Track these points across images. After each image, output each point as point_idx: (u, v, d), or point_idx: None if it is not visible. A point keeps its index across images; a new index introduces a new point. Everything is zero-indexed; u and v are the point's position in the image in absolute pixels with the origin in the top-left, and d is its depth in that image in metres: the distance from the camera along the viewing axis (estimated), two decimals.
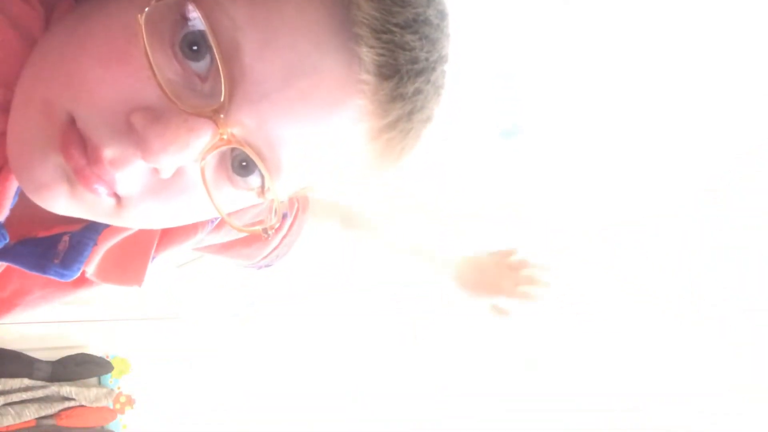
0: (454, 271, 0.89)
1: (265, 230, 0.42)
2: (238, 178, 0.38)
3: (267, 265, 0.74)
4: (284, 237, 0.71)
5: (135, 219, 0.39)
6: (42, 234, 0.46)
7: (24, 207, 0.41)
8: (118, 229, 0.47)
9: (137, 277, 0.53)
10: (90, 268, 0.48)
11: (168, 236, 0.55)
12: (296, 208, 0.71)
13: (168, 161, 0.34)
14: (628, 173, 2.10)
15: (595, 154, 2.06)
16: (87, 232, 0.46)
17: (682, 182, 2.06)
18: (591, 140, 2.02)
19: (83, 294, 0.54)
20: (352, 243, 0.84)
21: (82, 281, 0.50)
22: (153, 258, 0.54)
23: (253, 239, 0.68)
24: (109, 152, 0.34)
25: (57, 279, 0.45)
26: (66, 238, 0.46)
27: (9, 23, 0.36)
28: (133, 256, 0.52)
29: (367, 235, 0.85)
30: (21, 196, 0.40)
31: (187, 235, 0.56)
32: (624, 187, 2.14)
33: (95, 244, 0.46)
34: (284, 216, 0.69)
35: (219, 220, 0.58)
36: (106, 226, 0.46)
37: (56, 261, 0.45)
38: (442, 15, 0.38)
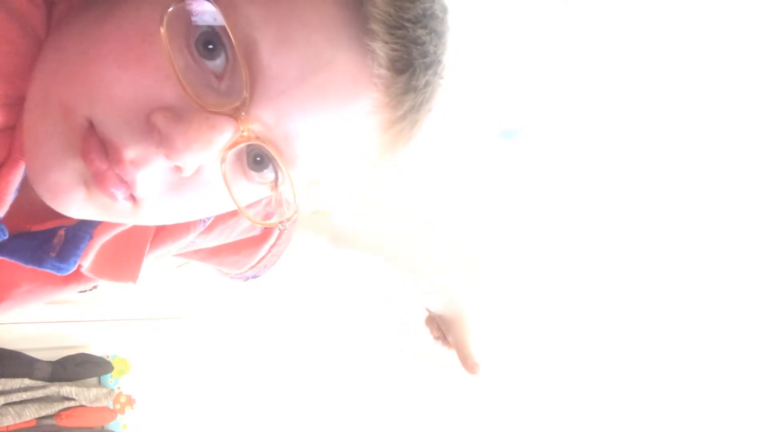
0: (439, 305, 0.83)
1: (282, 222, 0.42)
2: (253, 173, 0.39)
3: (254, 276, 0.74)
4: (272, 246, 0.70)
5: (152, 217, 0.39)
6: (36, 228, 0.46)
7: (19, 202, 0.41)
8: (114, 224, 0.47)
9: (132, 273, 0.53)
10: (86, 262, 0.48)
11: (162, 233, 0.55)
12: None
13: (192, 159, 0.34)
14: (628, 174, 2.10)
15: (596, 155, 2.07)
16: (83, 226, 0.46)
17: (683, 183, 2.06)
18: (591, 141, 2.02)
19: (72, 290, 0.54)
20: (340, 258, 0.83)
21: (73, 277, 0.50)
22: (147, 254, 0.54)
23: (242, 246, 0.67)
24: (130, 152, 0.34)
25: (53, 272, 0.45)
26: (61, 231, 0.46)
27: (11, 19, 0.37)
28: (128, 252, 0.52)
29: (356, 252, 0.83)
30: (19, 192, 0.40)
31: (179, 233, 0.56)
32: (624, 187, 2.14)
33: (91, 237, 0.47)
34: None
35: (210, 221, 0.59)
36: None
37: (53, 254, 0.45)
38: (444, 9, 0.40)
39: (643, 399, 2.22)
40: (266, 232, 0.68)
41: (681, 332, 2.18)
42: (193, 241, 0.60)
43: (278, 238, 0.70)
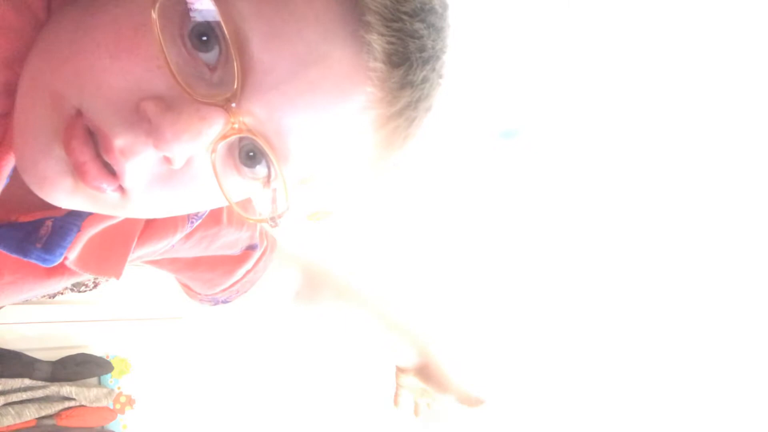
0: (414, 356, 0.77)
1: (272, 218, 0.42)
2: (245, 168, 0.38)
3: (225, 301, 0.72)
4: (248, 272, 0.69)
5: (141, 209, 0.39)
6: (23, 219, 0.45)
7: (11, 191, 0.40)
8: (103, 216, 0.47)
9: (116, 268, 0.52)
10: (71, 254, 0.47)
11: (150, 230, 0.54)
12: (265, 245, 0.69)
13: (181, 150, 0.34)
14: (628, 173, 2.10)
15: (596, 155, 2.07)
16: (71, 218, 0.46)
17: (683, 182, 2.06)
18: (591, 141, 2.02)
19: (55, 283, 0.53)
20: (307, 301, 0.77)
21: (56, 270, 0.50)
22: (132, 251, 0.53)
23: (219, 263, 0.66)
24: (120, 141, 0.34)
25: (39, 263, 0.45)
26: (49, 222, 0.45)
27: (10, 3, 0.36)
28: (114, 246, 0.52)
29: (329, 294, 0.78)
30: (12, 179, 0.40)
31: (166, 232, 0.55)
32: (624, 187, 2.14)
33: (79, 230, 0.46)
34: (253, 248, 0.67)
35: (197, 224, 0.58)
36: (91, 212, 0.46)
37: (38, 245, 0.44)
38: (444, 5, 0.39)
39: (643, 399, 2.22)
40: (244, 255, 0.67)
41: (681, 332, 2.18)
42: (174, 245, 0.59)
43: (255, 264, 0.68)
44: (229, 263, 0.67)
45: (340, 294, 0.78)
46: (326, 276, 0.78)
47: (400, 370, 0.79)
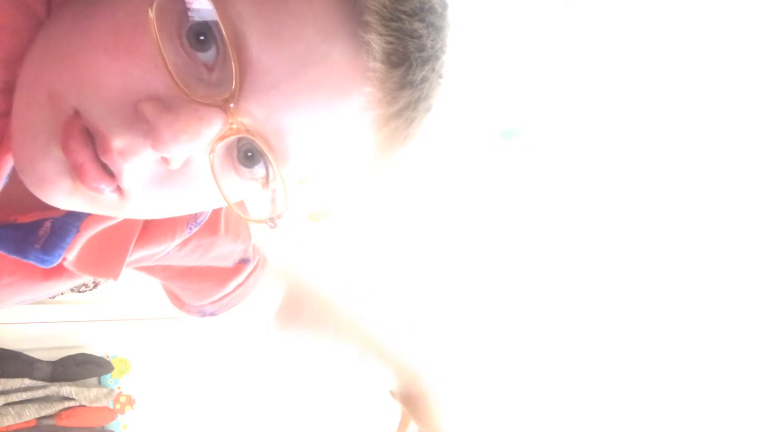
0: (399, 385, 0.73)
1: (271, 219, 0.41)
2: (244, 169, 0.38)
3: (212, 313, 0.70)
4: (239, 286, 0.68)
5: (139, 210, 0.38)
6: (22, 220, 0.45)
7: (10, 192, 0.40)
8: (102, 217, 0.46)
9: (114, 269, 0.52)
10: (70, 255, 0.47)
11: (148, 234, 0.54)
12: (258, 260, 0.69)
13: (179, 151, 0.33)
14: (628, 174, 2.10)
15: (596, 155, 2.06)
16: (69, 219, 0.46)
17: (683, 182, 2.06)
18: (591, 141, 2.02)
19: (53, 285, 0.52)
20: (287, 319, 0.75)
21: (54, 271, 0.50)
22: (130, 253, 0.53)
23: (211, 275, 0.65)
24: (118, 142, 0.33)
25: (37, 264, 0.45)
26: (47, 223, 0.45)
27: (9, 2, 0.36)
28: (112, 248, 0.52)
29: (309, 313, 0.75)
30: (10, 179, 0.39)
31: (165, 236, 0.55)
32: (624, 187, 2.14)
33: (78, 231, 0.46)
34: (246, 262, 0.67)
35: (195, 230, 0.58)
36: (89, 213, 0.45)
37: (37, 246, 0.44)
38: (444, 4, 0.39)
39: (643, 402, 2.22)
40: (237, 268, 0.66)
41: (681, 333, 2.18)
42: (169, 251, 0.58)
43: (246, 278, 0.68)
44: (221, 275, 0.66)
45: (321, 314, 0.75)
46: (308, 296, 0.76)
47: (390, 392, 0.76)
